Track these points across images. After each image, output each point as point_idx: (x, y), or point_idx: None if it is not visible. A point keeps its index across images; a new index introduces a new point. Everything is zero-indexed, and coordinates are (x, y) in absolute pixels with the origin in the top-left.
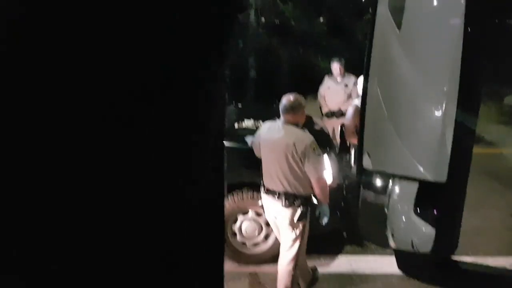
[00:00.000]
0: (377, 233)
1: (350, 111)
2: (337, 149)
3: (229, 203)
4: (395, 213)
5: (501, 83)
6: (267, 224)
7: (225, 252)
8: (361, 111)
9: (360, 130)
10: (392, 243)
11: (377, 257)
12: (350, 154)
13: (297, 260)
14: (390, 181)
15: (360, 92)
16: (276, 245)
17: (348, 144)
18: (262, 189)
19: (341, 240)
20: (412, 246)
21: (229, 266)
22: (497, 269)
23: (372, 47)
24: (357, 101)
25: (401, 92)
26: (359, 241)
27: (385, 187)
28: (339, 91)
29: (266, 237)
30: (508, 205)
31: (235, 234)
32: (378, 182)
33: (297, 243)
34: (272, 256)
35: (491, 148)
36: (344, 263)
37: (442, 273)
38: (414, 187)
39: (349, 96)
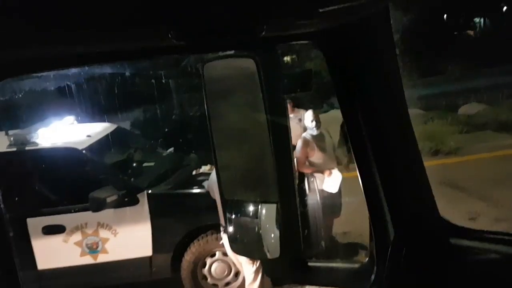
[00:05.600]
0: (254, 251)
1: (299, 144)
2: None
3: (196, 247)
4: (265, 231)
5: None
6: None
7: None
8: (213, 150)
9: (215, 165)
10: (268, 255)
11: None
12: (304, 184)
13: None
14: (259, 206)
15: (309, 125)
16: None
17: (303, 175)
18: (221, 228)
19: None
20: (279, 254)
21: None
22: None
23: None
24: (305, 134)
25: (230, 135)
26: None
27: (255, 211)
28: (294, 127)
29: (236, 274)
30: (469, 213)
31: (206, 278)
32: (248, 208)
33: (259, 277)
34: None
35: (450, 158)
36: None
37: (298, 272)
38: (273, 207)
39: (305, 130)
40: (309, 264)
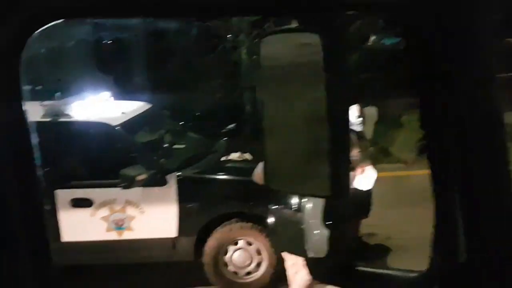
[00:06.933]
0: (295, 246)
1: None
2: None
3: (220, 233)
4: (309, 227)
5: None
6: (258, 253)
7: (219, 282)
8: (262, 136)
9: (263, 153)
10: (310, 253)
11: None
12: None
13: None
14: (307, 200)
15: (353, 120)
16: (268, 273)
17: None
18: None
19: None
20: (324, 254)
21: None
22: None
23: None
24: None
25: (284, 119)
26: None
27: (299, 204)
28: None
29: (258, 265)
30: None
31: (227, 265)
32: (291, 200)
33: (302, 267)
34: (265, 284)
35: None
36: None
37: (345, 276)
38: (320, 202)
39: None
40: (358, 269)
